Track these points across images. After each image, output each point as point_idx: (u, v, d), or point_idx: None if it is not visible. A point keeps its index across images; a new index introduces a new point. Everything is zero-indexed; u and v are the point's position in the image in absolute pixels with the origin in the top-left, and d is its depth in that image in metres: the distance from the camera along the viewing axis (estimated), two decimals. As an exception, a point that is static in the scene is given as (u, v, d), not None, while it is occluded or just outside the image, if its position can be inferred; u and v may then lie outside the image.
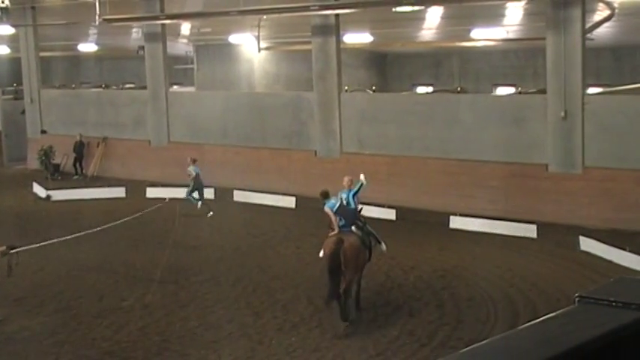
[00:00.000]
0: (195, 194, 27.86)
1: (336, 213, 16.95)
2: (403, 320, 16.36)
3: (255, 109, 32.50)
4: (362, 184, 17.54)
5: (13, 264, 16.58)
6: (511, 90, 41.52)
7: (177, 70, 44.87)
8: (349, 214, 17.12)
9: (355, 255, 16.43)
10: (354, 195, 17.36)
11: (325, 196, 17.34)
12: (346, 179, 17.79)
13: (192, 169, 27.90)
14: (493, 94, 41.12)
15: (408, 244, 22.80)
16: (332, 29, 29.36)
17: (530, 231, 23.23)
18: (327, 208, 17.05)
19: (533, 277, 19.14)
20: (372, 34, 38.04)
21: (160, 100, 34.82)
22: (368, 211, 25.90)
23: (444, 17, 33.30)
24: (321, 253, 16.92)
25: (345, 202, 17.18)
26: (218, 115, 33.34)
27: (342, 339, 15.40)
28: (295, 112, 31.06)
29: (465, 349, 2.48)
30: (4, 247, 16.40)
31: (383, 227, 24.84)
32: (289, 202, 28.37)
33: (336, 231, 16.79)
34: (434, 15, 32.86)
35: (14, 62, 43.42)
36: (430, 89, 46.37)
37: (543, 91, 26.77)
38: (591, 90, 29.06)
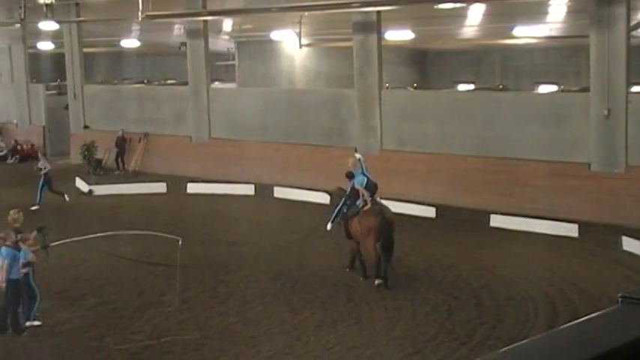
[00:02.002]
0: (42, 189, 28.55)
1: (365, 188, 19.14)
2: (442, 318, 16.30)
3: (295, 105, 32.55)
4: (362, 160, 19.90)
5: (48, 244, 16.77)
6: (553, 88, 41.24)
7: (218, 66, 45.09)
8: (372, 188, 19.38)
9: (393, 221, 18.84)
10: (366, 170, 19.51)
11: (351, 176, 19.52)
12: (351, 160, 20.02)
13: (42, 164, 28.60)
14: (534, 92, 40.80)
15: (448, 242, 22.71)
16: (373, 26, 29.29)
17: (571, 230, 23.03)
18: (358, 186, 19.24)
19: (573, 277, 18.98)
20: (413, 31, 37.93)
21: (201, 96, 34.98)
22: (407, 209, 26.00)
23: (486, 14, 33.11)
24: (356, 222, 18.95)
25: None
26: (258, 112, 33.43)
27: (380, 336, 15.39)
28: (335, 109, 31.06)
29: (506, 348, 2.46)
30: (34, 233, 16.51)
31: (422, 225, 24.89)
32: (329, 198, 28.32)
33: (369, 205, 18.95)
34: (476, 12, 32.70)
35: (58, 58, 43.86)
36: (471, 87, 46.17)
37: (586, 89, 26.54)
38: (635, 88, 28.76)
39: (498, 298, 17.62)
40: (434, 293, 18.02)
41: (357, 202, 19.33)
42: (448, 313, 16.67)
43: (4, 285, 15.77)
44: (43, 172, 28.64)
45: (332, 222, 20.20)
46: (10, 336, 15.71)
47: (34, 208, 27.40)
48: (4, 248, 15.79)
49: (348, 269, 19.67)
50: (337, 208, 20.00)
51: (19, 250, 15.81)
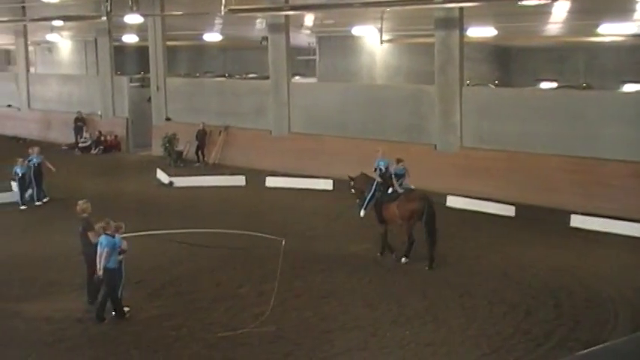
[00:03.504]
0: (29, 191, 28.53)
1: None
2: (519, 318, 16.14)
3: (375, 101, 32.50)
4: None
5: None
6: (639, 87, 40.38)
7: (299, 61, 45.23)
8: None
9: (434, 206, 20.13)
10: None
11: (385, 165, 21.51)
12: (381, 149, 22.93)
13: (19, 169, 28.23)
14: (619, 90, 40.00)
15: (527, 241, 22.47)
16: (455, 22, 29.08)
17: (654, 233, 22.59)
18: (401, 172, 20.99)
19: (655, 281, 18.62)
20: (495, 27, 37.50)
21: (282, 90, 35.17)
22: (486, 207, 25.78)
23: (571, 11, 32.57)
24: (393, 207, 20.17)
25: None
26: (338, 107, 33.48)
27: (456, 334, 15.30)
28: (415, 105, 30.93)
29: (587, 350, 2.44)
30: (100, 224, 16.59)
31: (501, 223, 24.63)
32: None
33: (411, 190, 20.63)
34: (560, 9, 32.18)
35: (142, 51, 44.52)
36: (554, 85, 45.48)
37: (673, 89, 25.96)
38: None
39: (577, 299, 17.37)
40: (511, 293, 17.85)
41: (390, 190, 20.61)
42: (525, 313, 16.50)
43: (101, 272, 16.09)
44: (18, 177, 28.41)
45: (365, 209, 21.07)
46: (91, 323, 16.05)
47: (39, 203, 28.30)
48: (103, 237, 16.11)
49: (380, 254, 20.95)
50: (370, 195, 20.92)
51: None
